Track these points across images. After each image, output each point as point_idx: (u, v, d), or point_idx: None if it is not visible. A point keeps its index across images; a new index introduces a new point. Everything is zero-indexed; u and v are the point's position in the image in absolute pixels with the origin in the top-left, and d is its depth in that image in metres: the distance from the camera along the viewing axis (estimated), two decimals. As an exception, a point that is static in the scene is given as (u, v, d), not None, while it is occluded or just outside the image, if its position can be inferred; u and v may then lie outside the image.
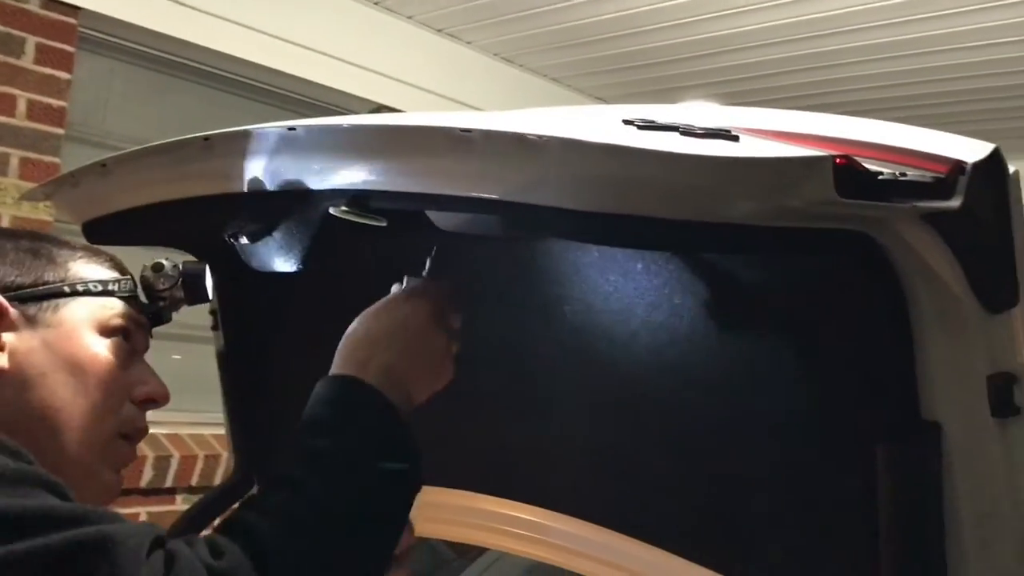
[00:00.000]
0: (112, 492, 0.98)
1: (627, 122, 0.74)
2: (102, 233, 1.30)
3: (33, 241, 1.01)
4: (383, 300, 1.00)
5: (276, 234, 1.00)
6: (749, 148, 0.69)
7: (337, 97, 3.92)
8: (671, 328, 1.01)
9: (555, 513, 1.34)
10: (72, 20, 3.06)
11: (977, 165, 0.75)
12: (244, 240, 0.99)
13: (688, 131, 0.70)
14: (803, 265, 0.88)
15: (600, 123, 0.82)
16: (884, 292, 0.84)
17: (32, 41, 2.97)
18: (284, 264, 1.04)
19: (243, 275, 1.27)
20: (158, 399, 1.01)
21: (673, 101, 4.69)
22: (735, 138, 0.70)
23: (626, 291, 1.02)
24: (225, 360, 1.59)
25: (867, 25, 3.71)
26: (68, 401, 0.93)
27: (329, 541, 0.79)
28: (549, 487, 1.31)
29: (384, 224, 0.92)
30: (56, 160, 3.02)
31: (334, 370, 0.94)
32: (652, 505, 1.15)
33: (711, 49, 4.11)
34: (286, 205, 1.00)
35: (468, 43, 4.31)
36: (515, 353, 1.18)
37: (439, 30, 4.18)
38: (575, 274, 1.07)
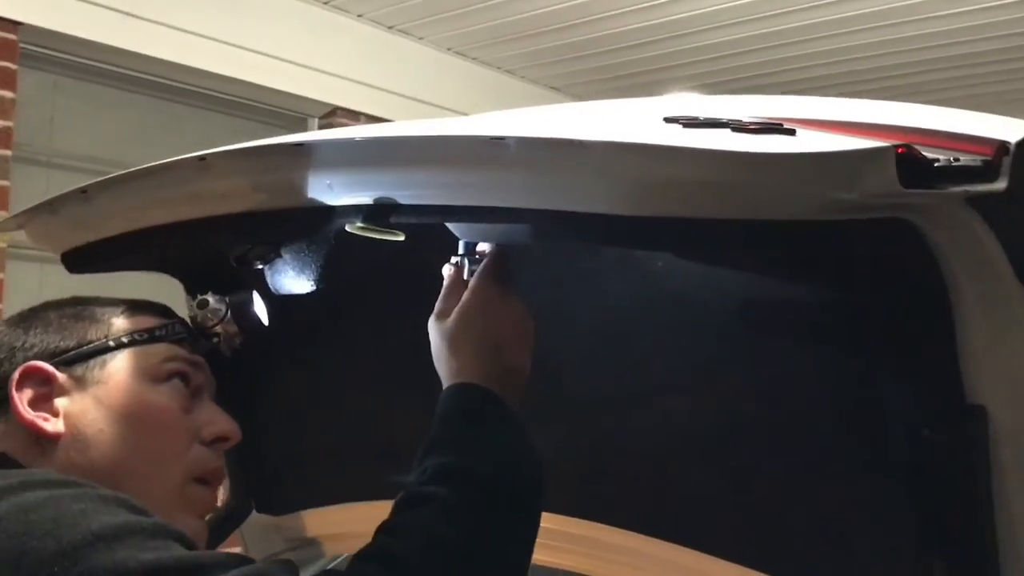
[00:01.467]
0: (199, 538, 0.96)
1: (669, 120, 0.71)
2: (83, 261, 1.24)
3: (75, 306, 1.01)
4: (465, 304, 0.97)
5: (286, 255, 0.95)
6: (808, 142, 0.66)
7: (291, 101, 3.86)
8: (714, 328, 0.99)
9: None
10: (12, 36, 2.95)
11: (1020, 144, 0.73)
12: (256, 264, 0.95)
13: (739, 127, 0.67)
14: (844, 255, 0.86)
15: (637, 122, 0.78)
16: (926, 278, 0.82)
17: (-29, 61, 2.87)
18: (295, 285, 0.99)
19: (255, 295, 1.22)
20: (229, 436, 1.01)
21: (630, 87, 4.70)
22: (791, 132, 0.67)
23: (668, 293, 0.99)
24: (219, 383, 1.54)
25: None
26: (129, 452, 0.92)
27: (474, 553, 0.79)
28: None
29: (402, 239, 0.88)
30: (5, 183, 2.91)
31: (453, 379, 0.93)
32: (694, 508, 1.13)
33: (666, 34, 4.12)
34: (293, 223, 0.95)
35: (420, 39, 4.26)
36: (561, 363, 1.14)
37: (390, 27, 4.13)
38: (620, 278, 1.04)
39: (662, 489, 1.15)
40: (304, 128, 4.02)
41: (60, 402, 0.93)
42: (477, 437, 0.88)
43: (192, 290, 1.41)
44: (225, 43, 3.49)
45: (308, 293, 1.11)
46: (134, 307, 1.02)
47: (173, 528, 0.76)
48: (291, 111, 3.93)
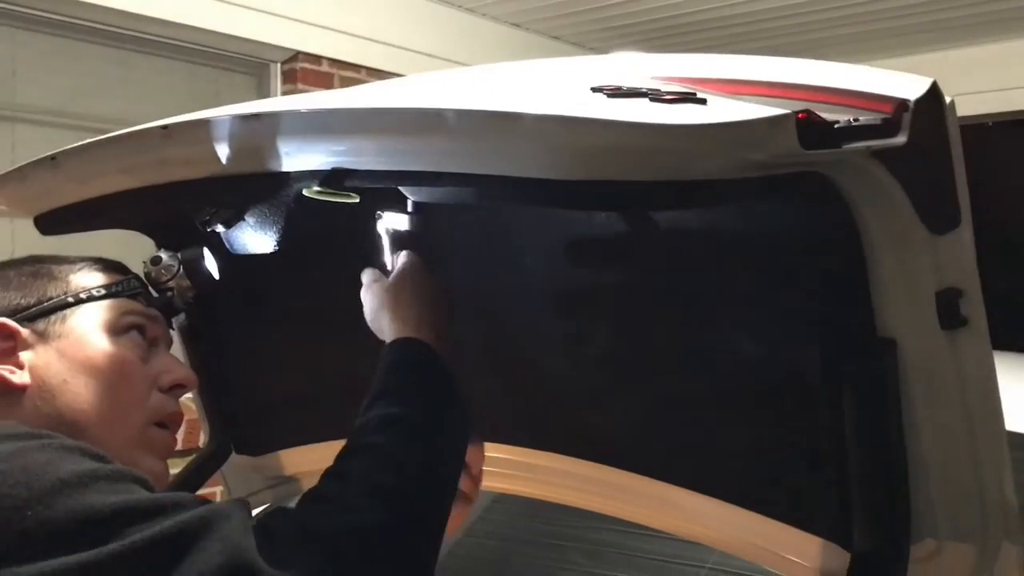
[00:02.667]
0: (161, 479, 1.04)
1: (595, 90, 0.77)
2: (56, 223, 1.29)
3: (34, 264, 1.07)
4: (405, 267, 1.09)
5: (248, 217, 1.01)
6: (716, 111, 0.72)
7: (252, 47, 3.83)
8: (642, 275, 1.07)
9: (521, 448, 1.40)
10: (-33, -10, 2.93)
11: (919, 101, 0.80)
12: (218, 226, 1.01)
13: (657, 97, 0.74)
14: (762, 205, 0.93)
15: (567, 91, 0.85)
16: (838, 224, 0.90)
17: (-72, 18, 2.84)
18: (258, 246, 1.05)
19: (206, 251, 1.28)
20: (185, 383, 1.07)
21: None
22: (703, 101, 0.74)
23: (599, 247, 1.07)
24: (188, 333, 1.60)
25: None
26: (93, 401, 0.98)
27: (412, 500, 0.86)
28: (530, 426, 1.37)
29: (357, 200, 0.94)
30: (-29, 140, 2.92)
31: (396, 334, 1.03)
32: (628, 432, 1.22)
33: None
34: (255, 188, 1.01)
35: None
36: (501, 307, 1.23)
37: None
38: (552, 233, 1.11)
39: (613, 418, 1.24)
40: (267, 74, 4.01)
41: (24, 355, 0.99)
42: (419, 387, 0.97)
43: (161, 246, 1.47)
44: (181, -10, 3.47)
45: (275, 245, 1.17)
46: (90, 264, 1.08)
47: (134, 473, 0.82)
48: (252, 57, 3.92)
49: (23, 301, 1.02)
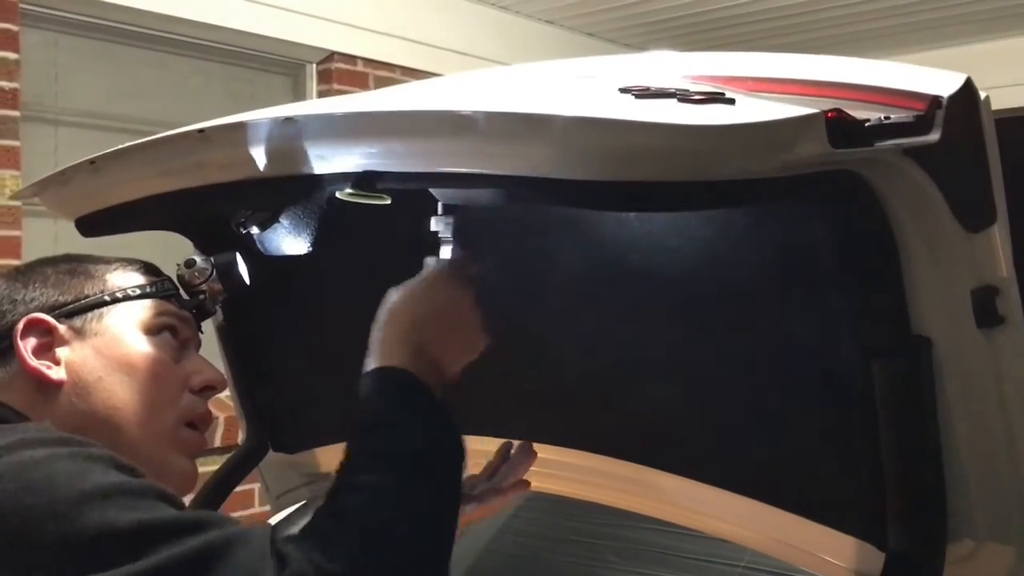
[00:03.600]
0: (190, 479, 1.05)
1: (624, 90, 0.77)
2: (96, 225, 1.31)
3: (70, 262, 1.08)
4: (411, 283, 1.01)
5: (283, 219, 1.03)
6: (745, 111, 0.72)
7: (288, 48, 3.86)
8: (673, 276, 1.07)
9: (554, 447, 1.41)
10: (11, -3, 2.98)
11: (952, 98, 0.79)
12: (254, 229, 1.02)
13: (685, 97, 0.74)
14: (793, 204, 0.93)
15: (595, 92, 0.85)
16: (871, 222, 0.89)
17: (-26, 25, 2.90)
18: (292, 247, 1.07)
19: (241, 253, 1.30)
20: (215, 385, 1.08)
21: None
22: (731, 101, 0.74)
23: (630, 248, 1.07)
24: (226, 335, 1.63)
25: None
26: (127, 399, 0.99)
27: (408, 537, 0.82)
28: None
29: (388, 202, 0.95)
30: (16, 143, 2.97)
31: (379, 361, 0.94)
32: (663, 431, 1.22)
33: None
34: (290, 190, 1.02)
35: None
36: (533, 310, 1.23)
37: (386, -32, 4.11)
38: (592, 236, 1.11)
39: (648, 417, 1.24)
40: (302, 74, 4.04)
41: (61, 352, 1.00)
42: (411, 421, 0.90)
43: (199, 247, 1.49)
44: (219, -8, 3.51)
45: (309, 246, 1.19)
46: (125, 264, 1.10)
47: (161, 489, 0.81)
48: (288, 58, 3.95)
49: (61, 298, 1.03)
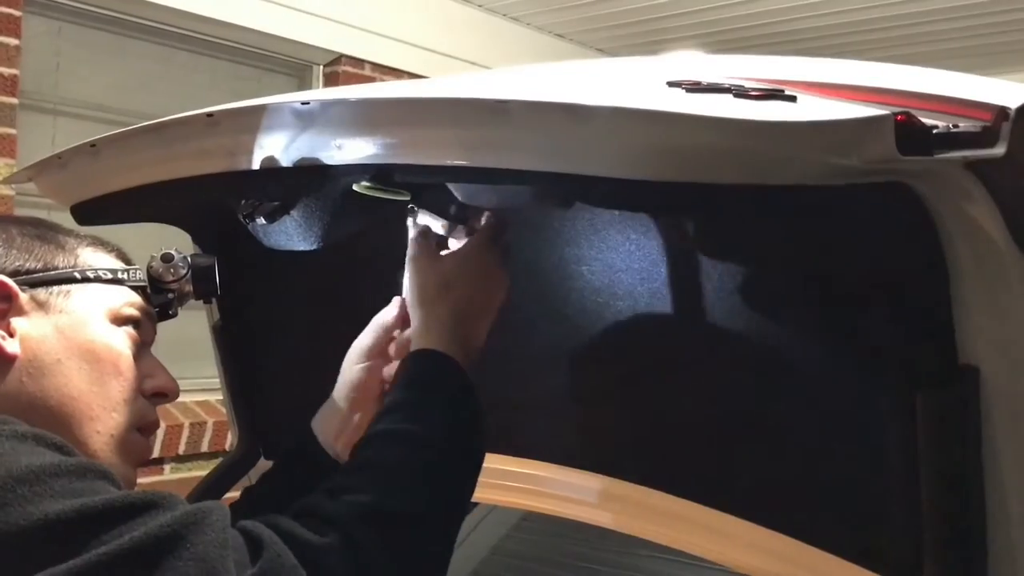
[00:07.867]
0: (131, 488, 0.92)
1: (672, 84, 0.72)
2: (93, 214, 1.26)
3: (37, 227, 0.97)
4: (460, 260, 1.01)
5: (292, 213, 0.96)
6: (809, 109, 0.67)
7: (295, 48, 3.82)
8: (708, 287, 1.01)
9: (549, 465, 1.35)
10: (16, -18, 2.93)
11: (1020, 110, 0.74)
12: (261, 220, 0.96)
13: (741, 92, 0.68)
14: (839, 218, 0.87)
15: (640, 86, 0.79)
16: (921, 240, 0.84)
17: (-24, 8, 2.85)
18: (302, 243, 1.00)
19: (242, 251, 1.24)
20: (168, 392, 0.98)
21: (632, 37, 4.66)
22: (792, 98, 0.68)
23: (666, 258, 1.01)
24: (221, 334, 1.57)
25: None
26: (84, 390, 0.89)
27: (405, 525, 0.79)
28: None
29: (408, 198, 0.89)
30: (12, 131, 2.91)
31: (424, 344, 0.95)
32: (696, 460, 1.16)
33: None
34: (300, 182, 0.96)
35: (426, -16, 4.20)
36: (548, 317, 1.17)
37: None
38: (611, 238, 1.06)
39: (678, 446, 1.18)
40: (309, 75, 4.00)
41: (17, 322, 0.89)
42: (432, 405, 0.88)
43: (199, 243, 1.43)
44: (227, -11, 3.46)
45: (314, 244, 1.13)
46: (97, 244, 1.00)
47: (98, 465, 0.73)
48: (295, 58, 3.90)
49: (26, 264, 0.92)
